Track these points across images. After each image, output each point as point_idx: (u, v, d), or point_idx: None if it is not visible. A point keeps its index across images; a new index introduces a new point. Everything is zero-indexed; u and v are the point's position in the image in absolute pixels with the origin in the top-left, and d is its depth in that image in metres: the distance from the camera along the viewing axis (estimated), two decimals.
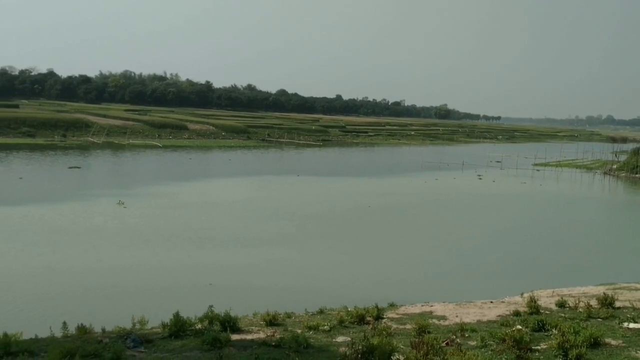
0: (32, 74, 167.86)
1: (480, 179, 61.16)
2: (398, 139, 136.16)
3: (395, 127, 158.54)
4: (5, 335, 10.19)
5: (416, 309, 15.03)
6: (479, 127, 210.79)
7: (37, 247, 23.97)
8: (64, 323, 11.69)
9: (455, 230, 33.04)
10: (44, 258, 22.49)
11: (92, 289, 19.00)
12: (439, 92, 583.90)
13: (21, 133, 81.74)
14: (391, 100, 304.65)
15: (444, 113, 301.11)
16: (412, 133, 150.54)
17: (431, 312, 14.54)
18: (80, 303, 17.42)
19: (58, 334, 11.59)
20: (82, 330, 11.80)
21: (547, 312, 13.97)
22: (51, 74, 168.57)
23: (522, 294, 17.25)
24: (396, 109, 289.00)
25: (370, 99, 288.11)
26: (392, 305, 15.36)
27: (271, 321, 12.66)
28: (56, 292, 18.55)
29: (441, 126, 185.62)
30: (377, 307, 13.73)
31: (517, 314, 13.65)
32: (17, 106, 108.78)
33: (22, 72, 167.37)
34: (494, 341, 10.58)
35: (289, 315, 13.66)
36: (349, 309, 13.72)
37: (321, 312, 14.27)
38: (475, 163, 77.64)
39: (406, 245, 28.34)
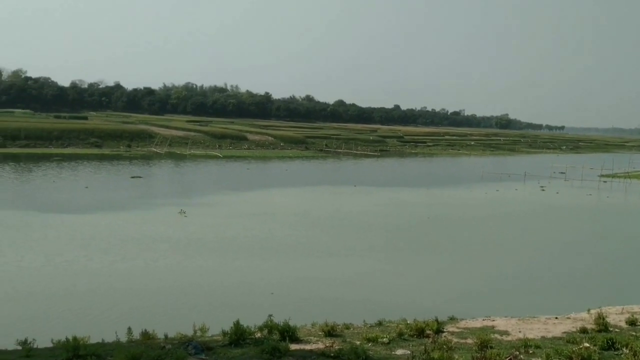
0: (100, 87, 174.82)
1: (543, 190, 59.43)
2: (457, 149, 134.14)
3: (454, 137, 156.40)
4: (75, 338, 10.58)
5: (477, 323, 14.67)
6: (542, 137, 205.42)
7: (105, 255, 24.79)
8: (129, 328, 12.03)
9: (517, 242, 32.18)
10: (111, 265, 23.24)
11: (156, 295, 19.49)
12: (499, 101, 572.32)
13: (89, 144, 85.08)
14: (450, 110, 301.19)
15: (505, 123, 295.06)
16: (472, 143, 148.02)
17: (493, 327, 14.15)
18: (144, 309, 17.89)
19: (123, 338, 11.93)
20: (146, 336, 12.09)
21: (617, 330, 13.37)
22: (118, 87, 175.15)
23: (588, 310, 16.57)
24: (455, 119, 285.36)
25: (429, 108, 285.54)
26: (452, 319, 15.04)
27: (330, 332, 12.62)
28: (122, 299, 19.12)
29: (502, 136, 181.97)
30: (437, 320, 13.48)
31: (584, 331, 13.12)
32: (85, 118, 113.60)
33: (90, 85, 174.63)
34: (560, 359, 10.20)
35: (347, 327, 13.57)
36: (408, 322, 13.53)
37: (380, 324, 14.13)
38: (538, 174, 75.53)
39: (466, 258, 27.78)
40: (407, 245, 30.09)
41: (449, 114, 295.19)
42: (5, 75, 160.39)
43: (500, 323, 14.78)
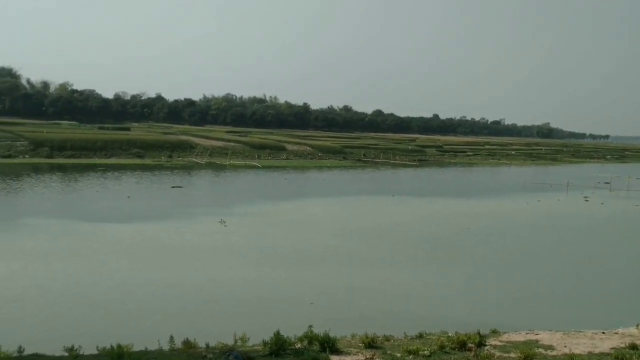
0: (142, 98, 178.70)
1: (586, 200, 57.98)
2: (498, 159, 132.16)
3: (494, 147, 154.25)
4: (119, 346, 10.82)
5: (520, 337, 14.37)
6: (585, 146, 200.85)
7: (148, 264, 25.22)
8: (171, 337, 12.23)
9: (561, 253, 31.43)
10: (154, 274, 23.63)
11: (197, 304, 19.74)
12: (541, 110, 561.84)
13: (132, 154, 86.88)
14: (490, 119, 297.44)
15: (546, 132, 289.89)
16: (513, 152, 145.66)
17: (537, 341, 13.84)
18: (185, 318, 18.11)
19: (165, 347, 12.14)
20: (188, 344, 12.27)
21: None
22: (159, 98, 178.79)
23: (638, 326, 16.06)
24: (495, 128, 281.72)
25: (469, 117, 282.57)
26: (494, 332, 14.77)
27: (370, 343, 12.56)
28: (164, 307, 19.41)
29: (544, 145, 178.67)
30: (479, 333, 13.26)
31: (633, 347, 12.71)
32: (128, 129, 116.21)
33: (133, 97, 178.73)
34: None
35: (387, 338, 13.48)
36: (450, 334, 13.36)
37: (420, 336, 13.98)
38: (581, 184, 73.77)
39: (508, 269, 27.27)
40: (447, 256, 29.72)
41: (488, 123, 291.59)
42: (52, 88, 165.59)
43: (544, 337, 14.45)
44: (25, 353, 11.68)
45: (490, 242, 34.06)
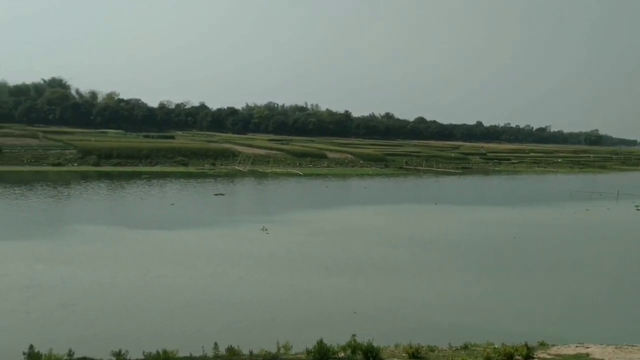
0: (186, 107, 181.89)
1: (638, 209, 56.16)
2: (544, 167, 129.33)
3: (540, 154, 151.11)
4: (165, 352, 10.97)
5: (570, 350, 13.95)
6: (636, 153, 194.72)
7: (192, 271, 25.54)
8: (215, 344, 12.33)
9: (611, 264, 30.49)
10: (198, 281, 23.94)
11: (240, 311, 19.89)
12: (588, 117, 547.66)
13: (176, 162, 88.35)
14: (535, 126, 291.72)
15: (594, 139, 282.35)
16: (559, 160, 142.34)
17: (587, 355, 13.42)
18: (229, 325, 18.26)
19: (209, 353, 12.25)
20: (231, 351, 12.33)
21: None
22: (203, 107, 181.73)
23: None
24: (541, 135, 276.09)
25: (513, 125, 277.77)
26: (542, 345, 14.39)
27: (414, 354, 12.40)
28: (209, 314, 19.65)
29: (592, 153, 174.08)
30: (526, 345, 12.94)
31: None
32: (173, 137, 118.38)
33: (177, 105, 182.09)
34: None
35: (431, 349, 13.29)
36: (496, 346, 13.08)
37: (465, 347, 13.72)
38: (633, 192, 71.49)
39: (557, 279, 26.57)
40: (492, 265, 29.18)
41: (533, 130, 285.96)
42: (100, 98, 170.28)
43: (595, 351, 14.00)
44: (75, 356, 11.95)
45: (537, 252, 33.29)
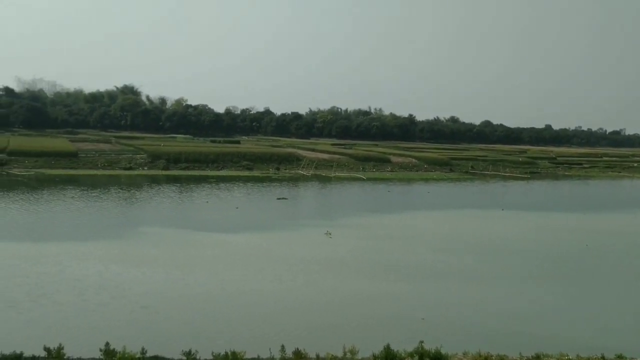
0: (251, 112, 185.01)
1: None
2: (618, 171, 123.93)
3: (614, 158, 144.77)
4: (234, 353, 11.17)
5: None
6: None
7: (259, 274, 25.94)
8: (282, 346, 12.44)
9: None
10: (267, 284, 24.31)
11: (306, 315, 20.04)
12: None
13: (241, 166, 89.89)
14: (609, 130, 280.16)
15: None
16: (635, 165, 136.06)
17: None
18: (295, 327, 18.41)
19: (277, 355, 12.38)
20: (298, 354, 12.42)
21: None
22: (267, 112, 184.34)
23: None
24: (615, 139, 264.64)
25: (584, 128, 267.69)
26: (620, 357, 13.76)
27: None
28: (275, 316, 19.91)
29: None
30: (603, 357, 12.42)
31: None
32: (238, 142, 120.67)
33: (243, 111, 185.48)
34: None
35: (501, 358, 12.96)
36: (570, 357, 12.61)
37: (537, 357, 13.30)
38: None
39: (632, 290, 25.39)
40: (564, 274, 28.18)
41: (607, 133, 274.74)
42: (169, 104, 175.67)
43: None
44: (148, 355, 12.33)
45: (611, 261, 31.95)
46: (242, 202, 53.84)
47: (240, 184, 71.42)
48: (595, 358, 12.31)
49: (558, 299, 23.43)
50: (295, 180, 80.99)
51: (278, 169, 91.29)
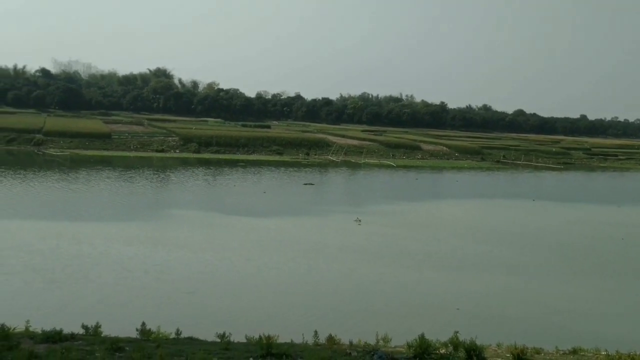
0: (282, 97, 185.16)
1: None
2: None
3: None
4: (268, 337, 11.19)
5: None
6: None
7: (292, 259, 26.08)
8: (315, 332, 12.42)
9: None
10: (299, 269, 24.47)
11: (340, 301, 20.12)
12: None
13: (271, 151, 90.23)
14: None
15: None
16: None
17: None
18: (329, 313, 18.49)
19: (310, 341, 12.37)
20: (331, 340, 12.38)
21: None
22: (298, 97, 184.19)
23: None
24: None
25: (621, 118, 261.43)
26: None
27: (519, 355, 11.90)
28: (308, 302, 20.01)
29: None
30: None
31: None
32: (269, 127, 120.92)
33: (274, 96, 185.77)
34: None
35: (537, 351, 12.73)
36: (608, 353, 12.33)
37: (574, 351, 13.05)
38: None
39: None
40: (601, 267, 27.67)
41: None
42: (201, 87, 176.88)
43: None
44: (182, 336, 12.46)
45: None
46: (270, 187, 54.01)
47: (272, 169, 71.68)
48: (637, 354, 12.00)
49: (595, 293, 23.05)
50: (324, 166, 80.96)
51: (308, 154, 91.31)
